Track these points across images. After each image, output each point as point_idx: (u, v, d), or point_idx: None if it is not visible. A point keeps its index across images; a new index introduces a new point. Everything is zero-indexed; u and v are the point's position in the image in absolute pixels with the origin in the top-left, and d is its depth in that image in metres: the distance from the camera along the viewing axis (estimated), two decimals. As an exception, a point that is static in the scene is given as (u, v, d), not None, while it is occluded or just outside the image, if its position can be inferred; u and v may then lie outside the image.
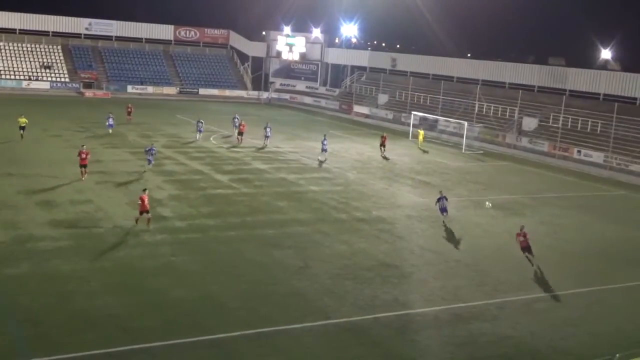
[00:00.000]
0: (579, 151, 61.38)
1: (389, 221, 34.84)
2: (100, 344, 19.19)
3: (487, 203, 29.35)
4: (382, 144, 55.47)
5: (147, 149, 43.06)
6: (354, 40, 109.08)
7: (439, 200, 35.56)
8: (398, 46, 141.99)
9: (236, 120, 60.23)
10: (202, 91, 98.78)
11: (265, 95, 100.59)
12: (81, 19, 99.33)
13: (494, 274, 27.77)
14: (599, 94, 68.07)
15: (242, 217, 33.80)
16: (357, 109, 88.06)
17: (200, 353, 19.40)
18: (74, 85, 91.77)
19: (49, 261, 25.56)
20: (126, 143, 52.88)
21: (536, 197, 43.65)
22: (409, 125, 71.14)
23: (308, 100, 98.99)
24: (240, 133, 56.61)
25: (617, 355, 18.04)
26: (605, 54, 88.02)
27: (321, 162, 50.47)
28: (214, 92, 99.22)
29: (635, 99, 64.38)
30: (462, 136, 64.66)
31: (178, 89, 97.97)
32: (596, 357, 19.72)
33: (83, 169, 38.91)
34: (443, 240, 32.30)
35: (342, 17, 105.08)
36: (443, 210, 35.36)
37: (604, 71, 73.67)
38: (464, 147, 62.73)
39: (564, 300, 25.54)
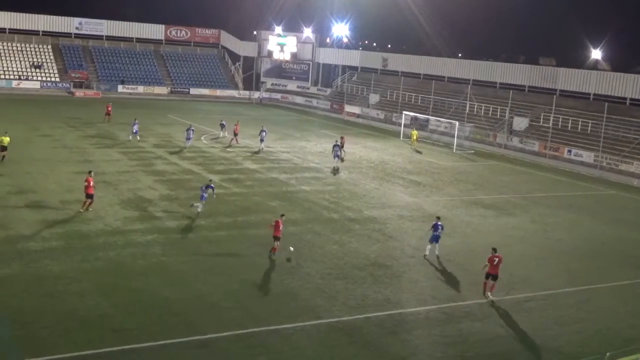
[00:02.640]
0: (569, 151, 61.61)
1: (380, 221, 34.85)
2: (90, 345, 19.12)
3: (290, 248, 28.10)
4: (341, 146, 52.29)
5: (204, 186, 34.01)
6: (345, 40, 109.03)
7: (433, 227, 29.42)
8: (389, 46, 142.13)
9: (223, 124, 60.34)
10: (193, 91, 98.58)
11: (256, 95, 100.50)
12: (71, 18, 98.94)
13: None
14: (589, 94, 68.32)
15: (233, 217, 33.76)
16: (348, 108, 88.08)
17: (191, 353, 19.36)
18: (64, 85, 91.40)
19: (39, 261, 25.44)
20: (117, 143, 52.72)
21: (527, 196, 43.77)
22: (400, 125, 71.24)
23: (299, 100, 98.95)
24: (235, 134, 56.62)
25: (608, 354, 18.11)
26: (596, 54, 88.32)
27: (336, 171, 47.90)
28: (205, 92, 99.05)
29: (625, 98, 64.66)
30: (453, 136, 64.77)
31: (169, 88, 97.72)
32: (586, 356, 19.81)
33: (88, 199, 32.45)
34: (434, 239, 32.31)
35: (333, 17, 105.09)
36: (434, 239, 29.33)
37: (594, 71, 73.91)
38: (455, 147, 62.84)
39: (555, 300, 25.63)
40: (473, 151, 63.07)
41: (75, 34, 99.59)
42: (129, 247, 27.85)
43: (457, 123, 64.99)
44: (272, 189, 40.58)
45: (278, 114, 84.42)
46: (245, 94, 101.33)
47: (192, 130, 53.48)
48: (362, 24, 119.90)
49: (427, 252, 29.20)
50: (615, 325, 23.52)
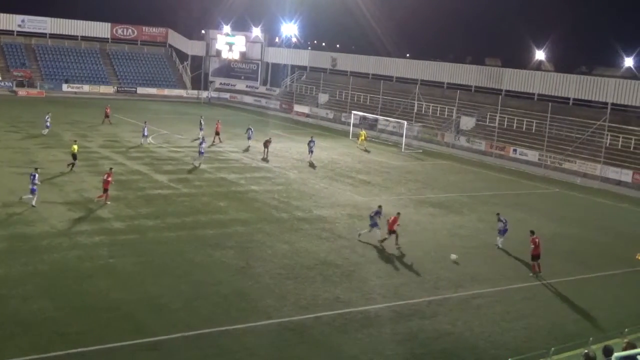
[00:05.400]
0: (514, 150, 62.77)
1: (330, 220, 34.93)
2: (35, 349, 18.69)
3: (452, 256, 29.59)
4: (266, 146, 53.08)
5: (373, 213, 32.12)
6: (294, 39, 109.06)
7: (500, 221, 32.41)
8: (338, 46, 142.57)
9: (202, 122, 60.88)
10: (141, 90, 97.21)
11: (205, 94, 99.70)
12: (14, 15, 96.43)
13: (433, 272, 28.16)
14: (533, 94, 69.68)
15: (182, 217, 33.41)
16: (297, 108, 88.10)
17: (140, 356, 19.08)
18: (6, 84, 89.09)
19: (-19, 265, 24.75)
20: (61, 143, 51.66)
21: (474, 195, 44.42)
22: (349, 124, 71.57)
23: (248, 99, 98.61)
24: (217, 133, 57.71)
25: (552, 349, 18.48)
26: (540, 54, 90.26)
27: (311, 164, 50.73)
28: (153, 91, 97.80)
29: (568, 99, 66.13)
30: (401, 135, 65.36)
31: (115, 87, 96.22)
32: (532, 351, 20.17)
33: (105, 193, 34.72)
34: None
35: (282, 17, 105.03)
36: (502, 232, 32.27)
37: (538, 72, 75.45)
38: (403, 146, 63.43)
39: (502, 296, 26.08)
40: (421, 150, 63.74)
41: (17, 31, 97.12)
42: (74, 249, 27.31)
43: (405, 123, 65.58)
44: (221, 189, 40.31)
45: (227, 113, 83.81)
46: (193, 93, 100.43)
47: (204, 143, 49.67)
48: (311, 24, 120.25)
49: (498, 244, 31.97)
50: (560, 321, 24.05)
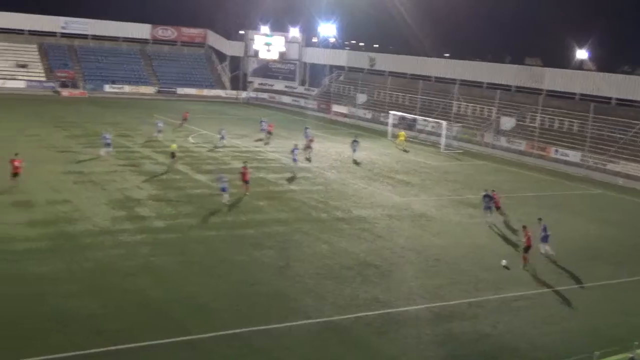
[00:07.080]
0: (555, 150, 61.91)
1: (369, 220, 34.88)
2: (73, 347, 18.98)
3: (503, 261, 29.53)
4: (308, 146, 54.00)
5: (482, 196, 36.99)
6: (332, 39, 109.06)
7: None
8: (376, 46, 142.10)
9: (263, 123, 62.35)
10: (180, 90, 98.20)
11: (243, 94, 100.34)
12: (57, 17, 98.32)
13: (473, 273, 27.94)
14: (575, 94, 68.65)
15: (222, 217, 33.69)
16: (335, 108, 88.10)
17: (177, 354, 19.26)
18: (50, 84, 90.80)
19: (23, 262, 25.22)
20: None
21: (514, 196, 43.91)
22: (387, 124, 71.35)
23: (287, 99, 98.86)
24: (269, 133, 59.82)
25: (597, 352, 18.21)
26: (581, 54, 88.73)
27: (355, 162, 52.42)
28: (192, 91, 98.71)
29: (610, 98, 65.05)
30: (440, 135, 64.94)
31: (156, 88, 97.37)
32: (572, 355, 19.90)
33: (246, 184, 38.72)
34: (423, 239, 32.41)
35: (320, 17, 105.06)
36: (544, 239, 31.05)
37: (579, 71, 74.36)
38: (442, 147, 63.01)
39: (542, 299, 25.76)
40: (461, 151, 63.25)
41: (60, 33, 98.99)
42: (117, 248, 27.72)
43: (444, 123, 65.14)
44: (261, 189, 40.50)
45: (266, 113, 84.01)
46: (232, 93, 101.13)
47: (296, 150, 48.43)
48: (349, 24, 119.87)
49: (542, 251, 30.47)
50: (600, 325, 23.66)
